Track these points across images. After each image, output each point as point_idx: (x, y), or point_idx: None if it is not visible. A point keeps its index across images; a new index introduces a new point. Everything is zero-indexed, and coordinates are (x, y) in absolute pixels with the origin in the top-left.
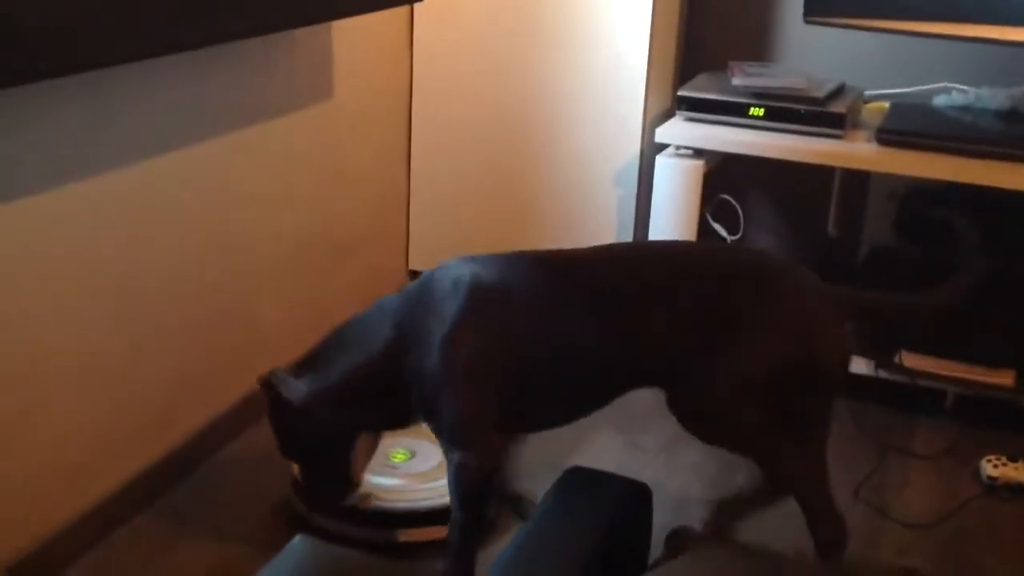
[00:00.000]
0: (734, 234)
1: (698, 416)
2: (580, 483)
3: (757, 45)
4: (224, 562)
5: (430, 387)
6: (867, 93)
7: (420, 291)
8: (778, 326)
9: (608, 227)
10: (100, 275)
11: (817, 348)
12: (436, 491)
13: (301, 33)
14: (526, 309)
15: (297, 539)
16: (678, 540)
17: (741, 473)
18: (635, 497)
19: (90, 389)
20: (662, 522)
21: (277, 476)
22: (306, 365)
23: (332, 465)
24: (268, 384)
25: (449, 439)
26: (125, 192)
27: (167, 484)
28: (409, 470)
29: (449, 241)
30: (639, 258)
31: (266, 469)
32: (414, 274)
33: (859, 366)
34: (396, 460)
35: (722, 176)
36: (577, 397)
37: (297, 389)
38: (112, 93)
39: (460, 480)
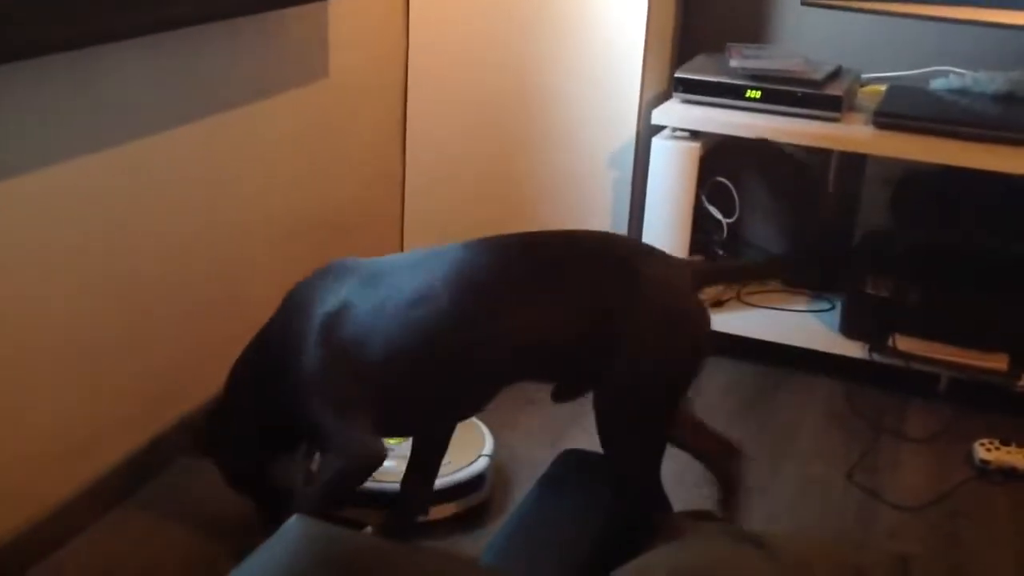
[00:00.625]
0: (729, 217)
1: (610, 410)
2: (575, 466)
3: (755, 27)
4: (215, 548)
5: (302, 404)
6: (864, 76)
7: (283, 314)
8: (661, 309)
9: (603, 209)
10: (86, 259)
11: (697, 326)
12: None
13: (295, 11)
14: (392, 316)
15: (293, 519)
16: (667, 526)
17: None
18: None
19: (76, 376)
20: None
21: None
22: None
23: (267, 490)
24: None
25: (324, 447)
26: (113, 173)
27: (157, 470)
28: (404, 452)
29: (443, 222)
30: (506, 252)
31: None
32: None
33: (853, 349)
34: (392, 442)
35: (718, 159)
36: (456, 397)
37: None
38: (99, 72)
39: (334, 480)
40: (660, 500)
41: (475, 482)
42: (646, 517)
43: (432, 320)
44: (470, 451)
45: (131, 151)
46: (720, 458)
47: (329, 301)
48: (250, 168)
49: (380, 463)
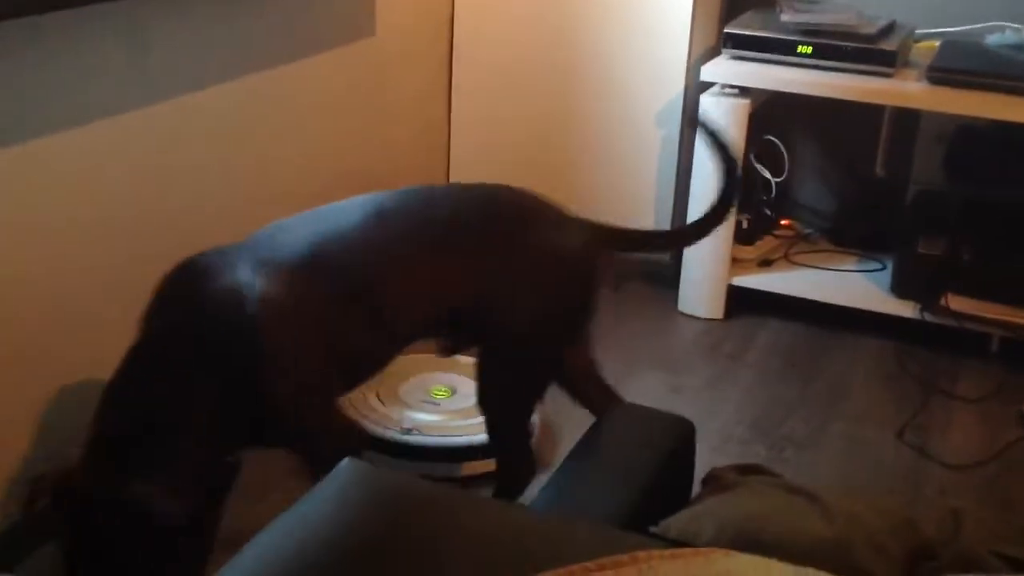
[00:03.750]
0: (778, 176)
1: (491, 363)
2: (622, 418)
3: None
4: (264, 492)
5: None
6: (917, 32)
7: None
8: (542, 268)
9: (649, 167)
10: (136, 211)
11: (590, 280)
12: (474, 427)
13: None
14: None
15: (345, 462)
16: (717, 479)
17: (791, 413)
18: (678, 432)
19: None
20: (703, 462)
21: None
22: None
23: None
24: None
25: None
26: (161, 127)
27: None
28: (450, 407)
29: (490, 177)
30: (408, 210)
31: None
32: None
33: (904, 309)
34: (437, 397)
35: (767, 117)
36: (381, 349)
37: None
38: (148, 27)
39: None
40: (526, 451)
41: None
42: (689, 470)
43: (359, 271)
44: None
45: (177, 106)
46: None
47: (252, 281)
48: (295, 125)
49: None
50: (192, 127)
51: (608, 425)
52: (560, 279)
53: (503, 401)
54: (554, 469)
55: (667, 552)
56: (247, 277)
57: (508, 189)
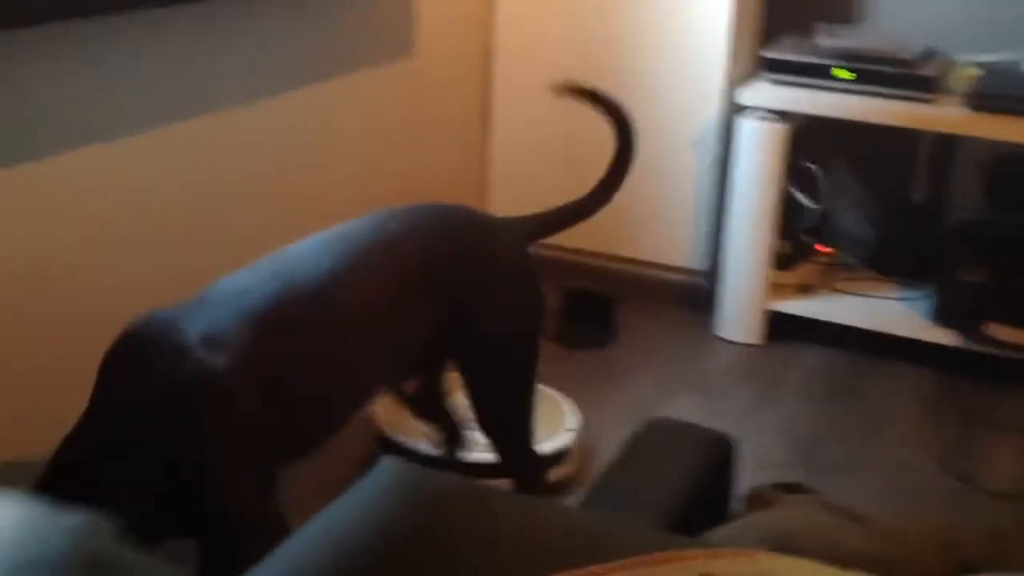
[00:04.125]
0: (816, 202)
1: (487, 384)
2: (661, 432)
3: (843, 7)
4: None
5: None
6: (955, 58)
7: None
8: (508, 277)
9: (687, 191)
10: (168, 223)
11: (538, 287)
12: None
13: None
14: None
15: (385, 459)
16: (757, 496)
17: (830, 439)
18: (718, 448)
19: None
20: (742, 486)
21: (357, 425)
22: None
23: None
24: None
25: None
26: (198, 142)
27: None
28: None
29: (526, 203)
30: (368, 248)
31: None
32: None
33: (945, 336)
34: None
35: (805, 142)
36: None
37: None
38: (189, 38)
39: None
40: (538, 460)
41: (559, 456)
42: (729, 483)
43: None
44: (555, 426)
45: (215, 121)
46: (447, 439)
47: (197, 360)
48: (334, 142)
49: None
50: (227, 143)
51: (647, 439)
52: (522, 279)
53: (508, 415)
54: (586, 486)
55: (710, 552)
56: (192, 355)
57: (446, 206)
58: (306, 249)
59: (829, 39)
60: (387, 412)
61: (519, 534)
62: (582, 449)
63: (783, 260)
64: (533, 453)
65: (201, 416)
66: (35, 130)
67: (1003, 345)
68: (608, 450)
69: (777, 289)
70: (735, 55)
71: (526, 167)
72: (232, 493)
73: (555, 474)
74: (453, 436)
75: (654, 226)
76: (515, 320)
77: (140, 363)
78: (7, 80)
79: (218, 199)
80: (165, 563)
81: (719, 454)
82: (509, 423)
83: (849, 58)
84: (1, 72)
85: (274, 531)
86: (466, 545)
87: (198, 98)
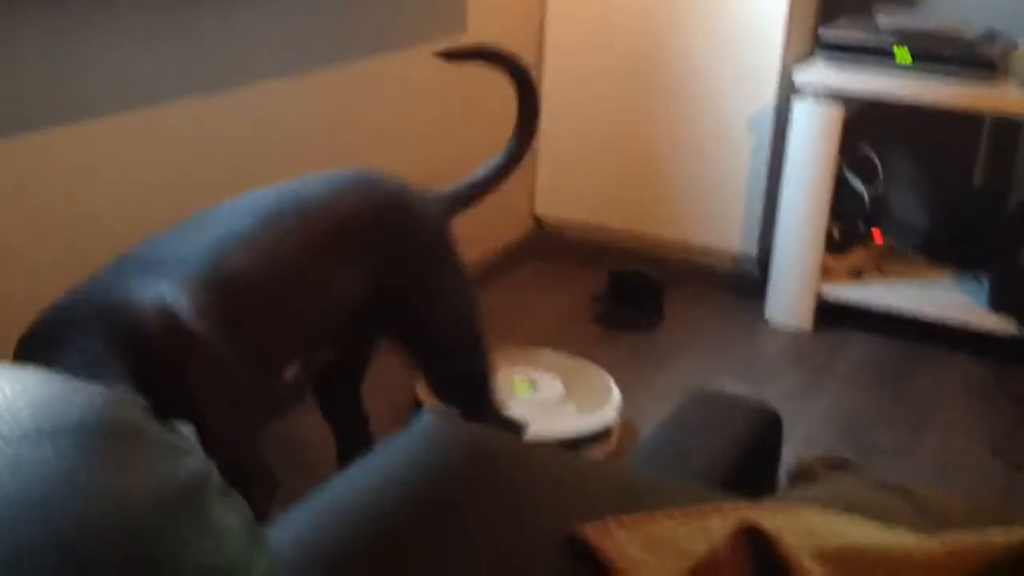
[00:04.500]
0: (871, 187)
1: (438, 356)
2: (707, 402)
3: None
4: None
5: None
6: (1017, 39)
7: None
8: (439, 249)
9: (739, 173)
10: (205, 198)
11: (461, 262)
12: (560, 421)
13: None
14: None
15: (424, 413)
16: (804, 470)
17: (879, 425)
18: (764, 420)
19: None
20: (787, 465)
21: (399, 399)
22: None
23: None
24: None
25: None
26: (245, 112)
27: (300, 400)
28: (532, 400)
29: (575, 185)
30: (298, 212)
31: (393, 388)
32: (538, 220)
33: (1000, 324)
34: (518, 390)
35: (861, 127)
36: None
37: None
38: (240, 11)
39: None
40: (509, 424)
41: (601, 434)
42: (774, 456)
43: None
44: (597, 404)
45: (263, 91)
46: (348, 438)
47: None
48: (383, 118)
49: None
50: (276, 115)
51: (692, 408)
52: (450, 246)
53: (463, 384)
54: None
55: (753, 505)
56: (159, 298)
57: (367, 172)
58: (228, 211)
59: (888, 19)
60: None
61: (559, 484)
62: (624, 428)
63: (836, 244)
64: (502, 416)
65: (182, 372)
66: (99, 89)
67: None
68: (649, 426)
69: (828, 274)
70: (792, 35)
71: (574, 146)
72: (221, 440)
73: (597, 451)
74: (350, 443)
75: (705, 209)
76: (445, 290)
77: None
78: (67, 41)
79: (264, 169)
80: (187, 440)
81: (764, 425)
82: (467, 391)
83: (908, 39)
84: (56, 34)
85: (262, 480)
86: (506, 494)
87: (249, 67)
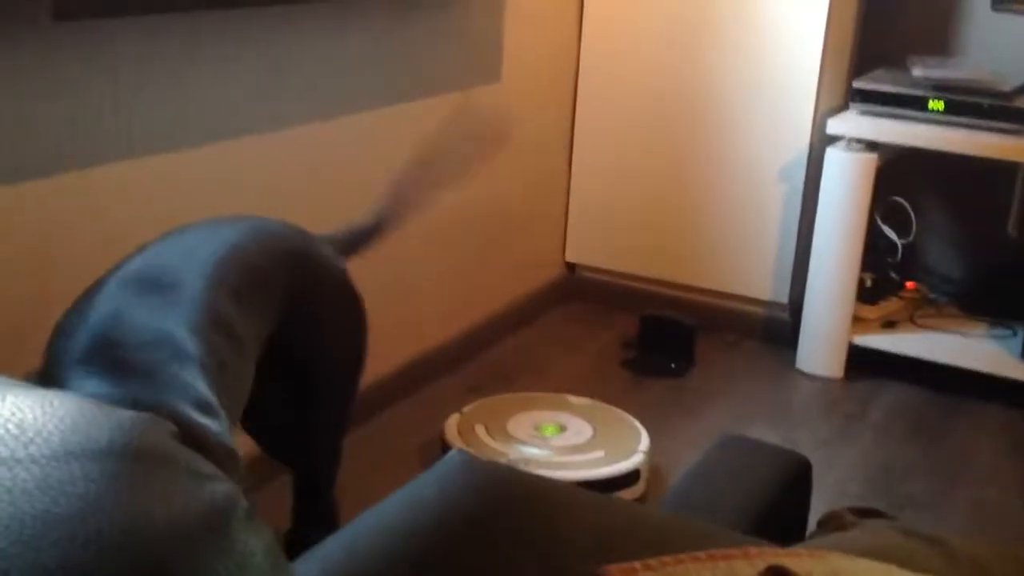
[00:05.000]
0: (904, 237)
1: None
2: (736, 448)
3: (938, 39)
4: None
5: None
6: None
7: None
8: (343, 297)
9: (772, 220)
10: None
11: (362, 305)
12: (584, 463)
13: (475, 10)
14: None
15: (453, 452)
16: (833, 518)
17: (911, 476)
18: (793, 468)
19: None
20: (817, 513)
21: (427, 441)
22: None
23: None
24: None
25: None
26: (288, 153)
27: None
28: (559, 443)
29: (608, 232)
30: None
31: (422, 430)
32: (570, 266)
33: None
34: (546, 433)
35: (894, 177)
36: None
37: None
38: (285, 50)
39: None
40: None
41: (630, 477)
42: (803, 504)
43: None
44: (626, 447)
45: (310, 131)
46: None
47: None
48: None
49: None
50: (320, 154)
51: (721, 453)
52: (347, 291)
53: (325, 428)
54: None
55: (781, 551)
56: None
57: (262, 219)
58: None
59: (923, 70)
60: (454, 428)
61: (585, 525)
62: (653, 474)
63: (868, 293)
64: (332, 497)
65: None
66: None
67: None
68: (679, 475)
69: (860, 323)
70: (826, 85)
71: (607, 192)
72: None
73: (625, 496)
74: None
75: (737, 257)
76: (346, 334)
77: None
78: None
79: (304, 209)
80: (217, 467)
81: (794, 472)
82: (324, 445)
83: (943, 89)
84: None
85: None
86: (533, 534)
87: (292, 107)
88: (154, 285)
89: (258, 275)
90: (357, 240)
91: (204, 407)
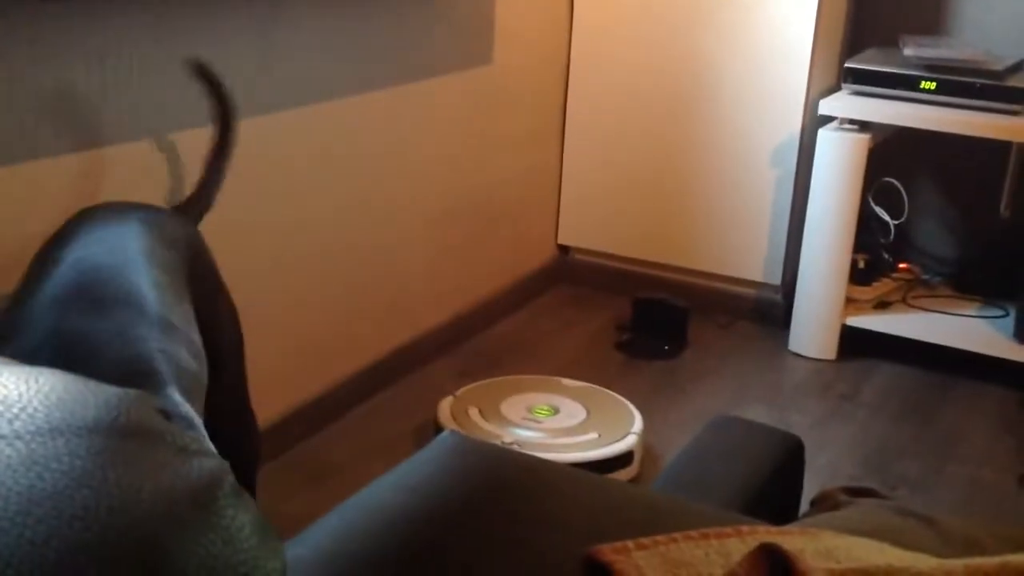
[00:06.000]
0: (897, 218)
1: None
2: (729, 428)
3: (931, 19)
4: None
5: None
6: None
7: None
8: (216, 279)
9: (764, 201)
10: (252, 221)
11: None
12: (577, 445)
13: None
14: None
15: (445, 433)
16: (826, 497)
17: (904, 455)
18: (786, 447)
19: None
20: (809, 493)
21: (421, 424)
22: None
23: None
24: None
25: None
26: (280, 136)
27: (324, 424)
28: (552, 425)
29: (600, 215)
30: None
31: (415, 413)
32: (562, 249)
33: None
34: (540, 416)
35: (886, 158)
36: None
37: None
38: (278, 33)
39: None
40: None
41: (623, 458)
42: (796, 484)
43: None
44: (619, 429)
45: (298, 116)
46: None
47: None
48: (411, 146)
49: None
50: (309, 140)
51: (714, 434)
52: (212, 262)
53: (234, 394)
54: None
55: (774, 528)
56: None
57: (149, 206)
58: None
59: (915, 50)
60: (448, 411)
61: (578, 504)
62: (646, 455)
63: (860, 275)
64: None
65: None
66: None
67: None
68: (673, 456)
69: (853, 304)
70: (818, 66)
71: (599, 175)
72: None
73: (619, 477)
74: None
75: (730, 239)
76: (225, 311)
77: None
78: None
79: (293, 194)
80: (200, 441)
81: (787, 452)
82: (239, 421)
83: (935, 69)
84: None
85: None
86: (526, 513)
87: (283, 91)
88: (98, 299)
89: (173, 267)
90: (200, 206)
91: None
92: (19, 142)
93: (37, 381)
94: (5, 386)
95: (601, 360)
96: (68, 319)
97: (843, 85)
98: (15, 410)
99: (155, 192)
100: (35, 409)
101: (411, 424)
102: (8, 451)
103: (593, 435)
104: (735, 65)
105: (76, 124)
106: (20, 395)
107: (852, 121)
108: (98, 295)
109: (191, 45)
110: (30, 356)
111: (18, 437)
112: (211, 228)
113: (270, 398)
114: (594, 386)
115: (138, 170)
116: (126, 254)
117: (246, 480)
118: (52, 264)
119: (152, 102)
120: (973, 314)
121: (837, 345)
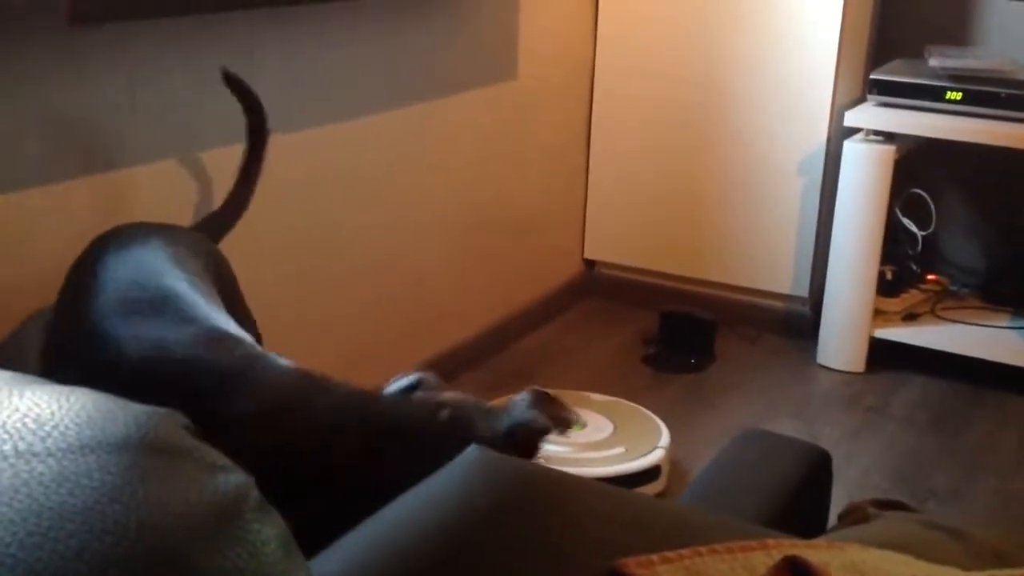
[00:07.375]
0: (924, 229)
1: None
2: (756, 442)
3: (956, 29)
4: None
5: None
6: None
7: None
8: (232, 284)
9: (790, 214)
10: (265, 238)
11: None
12: (604, 459)
13: (487, 9)
14: None
15: (471, 448)
16: (854, 510)
17: (933, 468)
18: (814, 460)
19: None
20: (838, 506)
21: None
22: None
23: None
24: None
25: None
26: (307, 153)
27: None
28: (580, 439)
29: (626, 229)
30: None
31: None
32: (588, 263)
33: None
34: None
35: (913, 168)
36: None
37: None
38: (306, 53)
39: None
40: None
41: (650, 473)
42: (824, 498)
43: None
44: (646, 443)
45: (326, 134)
46: None
47: None
48: (438, 160)
49: None
50: (331, 155)
51: (742, 447)
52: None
53: None
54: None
55: (800, 542)
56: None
57: (159, 228)
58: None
59: (940, 61)
60: None
61: (603, 517)
62: (674, 468)
63: (888, 286)
64: None
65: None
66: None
67: None
68: (700, 470)
69: (881, 316)
70: (843, 78)
71: (625, 188)
72: None
73: (646, 491)
74: None
75: (756, 251)
76: (247, 324)
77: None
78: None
79: (321, 210)
80: (230, 460)
81: (815, 465)
82: None
83: (961, 79)
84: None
85: None
86: (552, 527)
87: (308, 109)
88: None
89: (201, 275)
90: (220, 226)
91: None
92: (52, 165)
93: (68, 400)
94: (38, 405)
95: (628, 374)
96: (134, 326)
97: (868, 96)
98: (48, 428)
99: (182, 212)
100: (67, 427)
101: None
102: (41, 468)
103: (620, 449)
104: (760, 77)
105: (105, 145)
106: (52, 413)
107: (878, 132)
108: (147, 299)
109: (219, 65)
110: (111, 367)
111: (50, 454)
112: (237, 243)
113: None
114: (621, 400)
115: (166, 190)
116: (161, 264)
117: None
118: (92, 280)
119: (179, 122)
120: (1002, 325)
121: (865, 357)
